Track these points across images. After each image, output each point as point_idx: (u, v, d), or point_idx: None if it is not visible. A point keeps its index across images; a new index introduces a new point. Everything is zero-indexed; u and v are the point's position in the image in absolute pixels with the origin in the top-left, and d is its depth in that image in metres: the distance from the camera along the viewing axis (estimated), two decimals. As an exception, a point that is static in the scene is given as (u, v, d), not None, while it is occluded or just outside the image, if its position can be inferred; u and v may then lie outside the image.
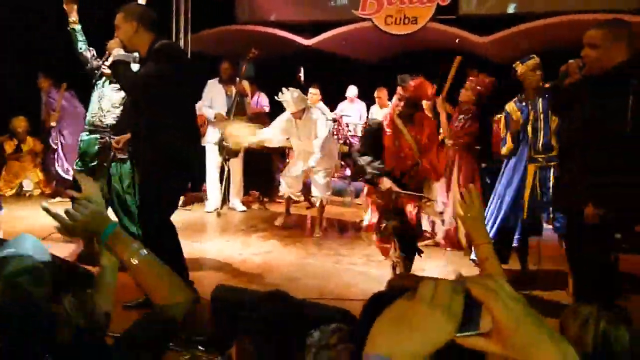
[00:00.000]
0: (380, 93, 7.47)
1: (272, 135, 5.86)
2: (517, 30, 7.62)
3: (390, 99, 7.45)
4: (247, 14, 9.61)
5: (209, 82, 6.71)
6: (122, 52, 3.24)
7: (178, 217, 6.26)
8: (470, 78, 5.20)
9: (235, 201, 6.98)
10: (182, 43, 9.49)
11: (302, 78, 7.57)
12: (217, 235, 5.93)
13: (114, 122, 4.17)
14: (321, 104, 7.53)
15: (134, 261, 1.29)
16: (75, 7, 4.16)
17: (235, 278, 4.38)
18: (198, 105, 7.06)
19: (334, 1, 9.17)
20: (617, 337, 1.65)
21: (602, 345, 1.67)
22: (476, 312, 0.70)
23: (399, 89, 3.87)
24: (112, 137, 4.15)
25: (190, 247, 5.13)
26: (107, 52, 3.41)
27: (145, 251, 1.32)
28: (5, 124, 7.55)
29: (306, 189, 6.52)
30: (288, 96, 5.53)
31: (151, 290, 1.31)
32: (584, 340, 1.69)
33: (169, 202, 3.48)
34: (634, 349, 1.62)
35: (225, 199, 6.92)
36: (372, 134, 3.98)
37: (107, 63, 3.47)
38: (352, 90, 8.54)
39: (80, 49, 4.20)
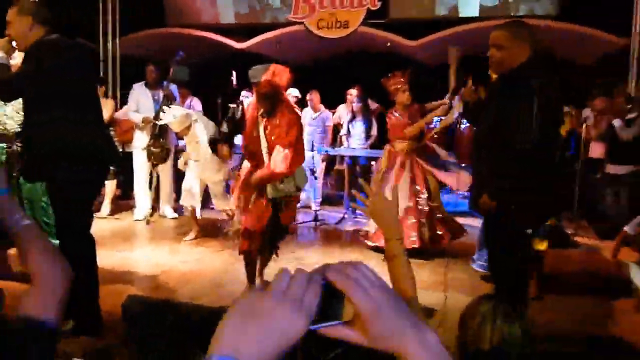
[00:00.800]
0: (313, 96, 7.48)
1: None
2: (445, 34, 7.81)
3: (322, 101, 7.48)
4: (177, 16, 9.44)
5: (135, 85, 6.53)
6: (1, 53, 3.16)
7: (106, 226, 6.15)
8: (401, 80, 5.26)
9: (166, 208, 6.81)
10: (109, 45, 9.25)
11: (235, 82, 7.46)
12: (145, 244, 5.76)
13: (20, 129, 3.94)
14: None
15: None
16: None
17: (159, 286, 4.26)
18: (124, 110, 6.90)
19: (267, 5, 9.13)
20: (510, 334, 1.67)
21: (497, 341, 1.69)
22: (337, 302, 0.67)
23: (253, 87, 3.74)
24: (19, 145, 3.93)
25: (116, 257, 4.97)
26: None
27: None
28: None
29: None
30: (170, 116, 5.18)
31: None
32: (482, 337, 1.70)
33: (79, 201, 3.29)
34: (524, 345, 1.65)
35: (155, 206, 6.74)
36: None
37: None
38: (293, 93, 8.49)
39: None
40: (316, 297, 0.65)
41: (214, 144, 5.22)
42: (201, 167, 5.38)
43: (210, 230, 5.96)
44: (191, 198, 5.53)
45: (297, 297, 0.64)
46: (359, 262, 0.71)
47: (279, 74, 3.67)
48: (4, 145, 4.04)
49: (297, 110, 4.13)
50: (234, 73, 8.76)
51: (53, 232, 3.63)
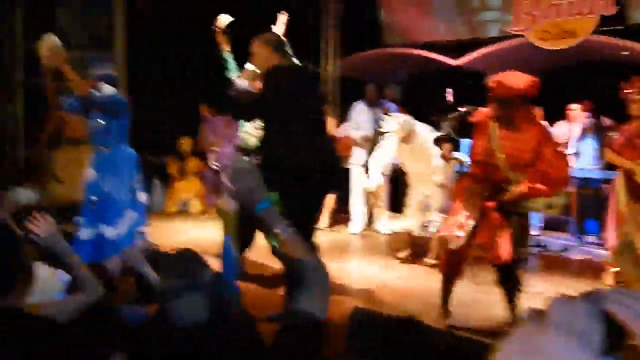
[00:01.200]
0: (535, 112, 6.98)
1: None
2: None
3: (546, 118, 6.97)
4: (393, 36, 9.64)
5: (355, 104, 6.82)
6: (244, 83, 3.49)
7: (323, 237, 6.47)
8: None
9: (380, 222, 6.94)
10: (330, 68, 9.82)
11: (451, 99, 7.37)
12: (359, 257, 5.93)
13: (259, 143, 4.30)
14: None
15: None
16: (226, 37, 4.30)
17: (373, 301, 4.31)
18: (343, 128, 7.24)
19: (483, 19, 8.87)
20: None
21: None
22: (619, 336, 0.58)
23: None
24: (257, 159, 4.29)
25: (332, 267, 5.17)
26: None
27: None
28: (173, 145, 8.27)
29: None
30: (393, 124, 5.32)
31: None
32: None
33: (308, 211, 3.52)
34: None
35: (370, 220, 6.92)
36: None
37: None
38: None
39: (231, 76, 4.36)
40: (600, 330, 0.56)
41: (437, 142, 5.24)
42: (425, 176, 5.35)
43: (422, 247, 5.91)
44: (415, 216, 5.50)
45: (581, 330, 0.56)
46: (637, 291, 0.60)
47: (513, 78, 3.51)
48: (246, 158, 4.47)
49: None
50: (450, 90, 8.67)
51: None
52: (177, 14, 8.83)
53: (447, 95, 7.88)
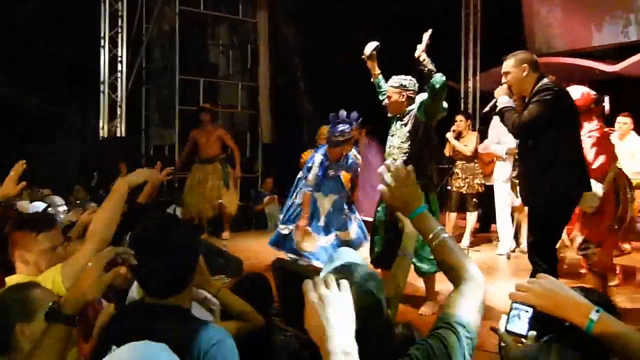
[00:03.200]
0: None
1: None
2: None
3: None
4: (540, 45, 9.09)
5: (495, 117, 6.47)
6: (506, 99, 3.46)
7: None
8: None
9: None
10: (470, 82, 9.51)
11: (608, 107, 6.72)
12: (506, 278, 5.55)
13: (404, 157, 4.24)
14: (633, 135, 6.55)
15: (434, 242, 1.47)
16: (375, 62, 4.53)
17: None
18: (484, 144, 6.91)
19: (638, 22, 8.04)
20: None
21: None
22: None
23: None
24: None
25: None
26: (493, 98, 3.60)
27: (446, 234, 1.48)
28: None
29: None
30: None
31: (448, 269, 1.45)
32: None
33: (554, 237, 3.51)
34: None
35: (517, 241, 6.48)
36: None
37: (494, 108, 3.60)
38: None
39: (383, 96, 4.51)
40: None
41: None
42: None
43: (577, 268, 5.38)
44: None
45: None
46: None
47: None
48: None
49: None
50: (606, 99, 7.94)
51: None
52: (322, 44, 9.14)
53: (603, 104, 7.23)
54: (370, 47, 4.47)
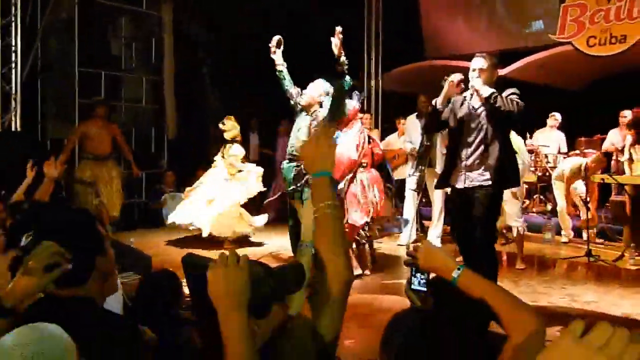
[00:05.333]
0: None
1: None
2: None
3: (599, 125, 6.82)
4: (436, 49, 9.63)
5: (408, 118, 6.87)
6: (489, 89, 3.69)
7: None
8: None
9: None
10: (373, 82, 9.89)
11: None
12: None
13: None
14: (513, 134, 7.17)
15: (320, 212, 1.43)
16: (279, 51, 4.77)
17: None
18: (386, 141, 7.28)
19: (528, 28, 8.76)
20: None
21: None
22: None
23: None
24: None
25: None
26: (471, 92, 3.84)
27: (334, 211, 1.44)
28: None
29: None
30: None
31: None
32: None
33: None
34: None
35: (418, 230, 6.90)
36: None
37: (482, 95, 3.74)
38: (558, 117, 7.98)
39: (286, 86, 4.82)
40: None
41: None
42: None
43: None
44: None
45: (617, 354, 0.58)
46: None
47: None
48: (294, 164, 4.62)
49: None
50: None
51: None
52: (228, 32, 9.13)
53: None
54: (274, 40, 4.78)
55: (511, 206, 5.47)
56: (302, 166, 4.47)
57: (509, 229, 5.95)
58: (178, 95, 9.41)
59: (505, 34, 9.01)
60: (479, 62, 3.80)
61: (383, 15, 9.90)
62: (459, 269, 1.52)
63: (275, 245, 6.61)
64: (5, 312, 1.46)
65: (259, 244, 6.77)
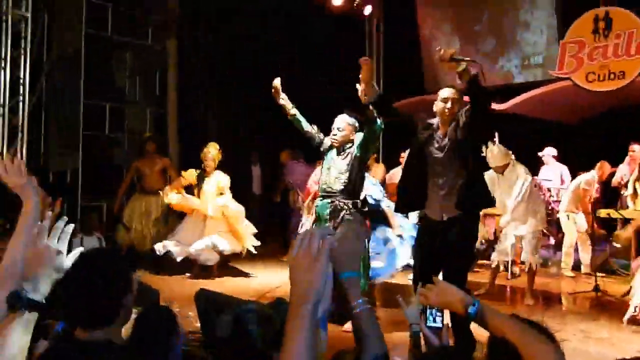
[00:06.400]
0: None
1: None
2: None
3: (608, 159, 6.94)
4: (436, 82, 9.75)
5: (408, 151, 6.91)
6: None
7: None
8: None
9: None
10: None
11: (497, 142, 7.38)
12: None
13: (343, 187, 4.46)
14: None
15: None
16: (285, 96, 4.58)
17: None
18: (390, 174, 7.32)
19: (527, 62, 8.93)
20: None
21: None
22: None
23: None
24: (340, 200, 4.45)
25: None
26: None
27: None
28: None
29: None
30: (489, 152, 5.57)
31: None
32: None
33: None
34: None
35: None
36: None
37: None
38: (549, 152, 8.07)
39: (305, 129, 4.67)
40: None
41: None
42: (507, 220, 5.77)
43: None
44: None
45: None
46: None
47: None
48: (329, 200, 4.49)
49: None
50: (495, 134, 8.68)
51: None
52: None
53: (493, 139, 7.91)
54: (274, 84, 4.56)
55: (531, 240, 5.57)
56: (336, 202, 4.46)
57: (522, 263, 6.00)
58: (181, 127, 9.46)
59: (503, 69, 9.16)
60: (449, 93, 3.97)
61: (384, 48, 10.06)
62: (474, 304, 1.55)
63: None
64: (31, 305, 1.45)
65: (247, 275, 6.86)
